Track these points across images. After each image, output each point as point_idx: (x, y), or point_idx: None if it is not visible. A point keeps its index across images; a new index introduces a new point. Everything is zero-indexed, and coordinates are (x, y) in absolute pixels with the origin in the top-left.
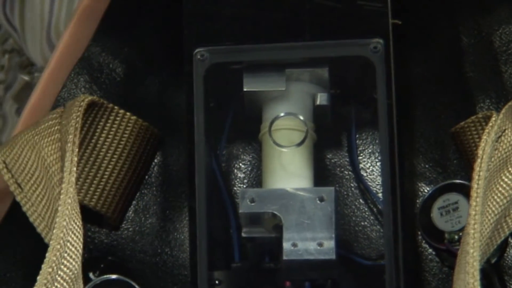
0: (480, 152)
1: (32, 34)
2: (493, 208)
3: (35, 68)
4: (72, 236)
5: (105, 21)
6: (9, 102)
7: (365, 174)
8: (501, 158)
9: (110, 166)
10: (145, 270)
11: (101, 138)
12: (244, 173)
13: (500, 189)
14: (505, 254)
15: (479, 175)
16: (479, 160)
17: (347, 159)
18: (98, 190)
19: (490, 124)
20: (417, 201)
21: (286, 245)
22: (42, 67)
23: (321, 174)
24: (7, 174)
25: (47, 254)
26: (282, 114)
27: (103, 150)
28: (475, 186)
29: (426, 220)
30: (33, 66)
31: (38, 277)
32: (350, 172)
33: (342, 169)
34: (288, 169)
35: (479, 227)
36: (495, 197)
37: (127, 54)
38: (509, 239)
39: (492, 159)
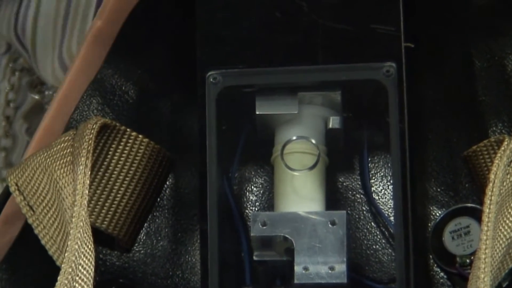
0: (492, 176)
1: (43, 53)
2: (505, 233)
3: (46, 87)
4: (84, 259)
5: (118, 43)
6: (19, 122)
7: (377, 198)
8: None
9: (122, 189)
10: None
11: (113, 161)
12: (256, 196)
13: None
14: None
15: (490, 199)
16: (490, 184)
17: (359, 183)
18: (110, 212)
19: (502, 148)
20: (429, 224)
21: (298, 269)
22: (53, 86)
23: (333, 198)
24: (19, 196)
25: (59, 278)
26: (294, 138)
27: (115, 172)
28: (487, 210)
29: (438, 243)
30: (43, 85)
31: None
32: (362, 196)
33: (354, 193)
34: (300, 193)
35: (490, 252)
36: (507, 221)
37: (140, 77)
38: None
39: (504, 184)
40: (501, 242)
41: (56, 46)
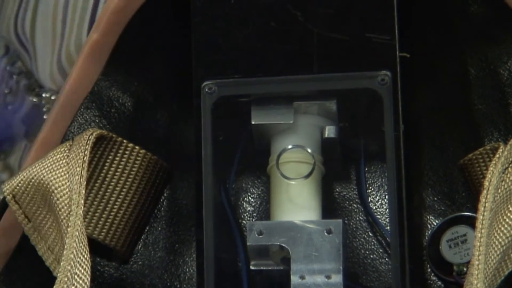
0: (486, 183)
1: (43, 55)
2: (500, 240)
3: (43, 90)
4: (80, 268)
5: (115, 55)
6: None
7: (374, 207)
8: (508, 190)
9: (119, 200)
10: None
11: (110, 172)
12: (253, 206)
13: (507, 220)
14: None
15: (484, 206)
16: (485, 191)
17: (356, 192)
18: (107, 223)
19: (497, 155)
20: (426, 233)
21: (294, 278)
22: (50, 89)
23: (330, 207)
24: (16, 207)
25: (54, 287)
26: (289, 147)
27: (112, 183)
28: (481, 217)
29: (435, 252)
30: (41, 88)
31: None
32: (359, 205)
33: (351, 202)
34: (296, 202)
35: (483, 258)
36: (502, 228)
37: (137, 88)
38: None
39: (499, 191)
40: (496, 249)
41: (55, 49)
